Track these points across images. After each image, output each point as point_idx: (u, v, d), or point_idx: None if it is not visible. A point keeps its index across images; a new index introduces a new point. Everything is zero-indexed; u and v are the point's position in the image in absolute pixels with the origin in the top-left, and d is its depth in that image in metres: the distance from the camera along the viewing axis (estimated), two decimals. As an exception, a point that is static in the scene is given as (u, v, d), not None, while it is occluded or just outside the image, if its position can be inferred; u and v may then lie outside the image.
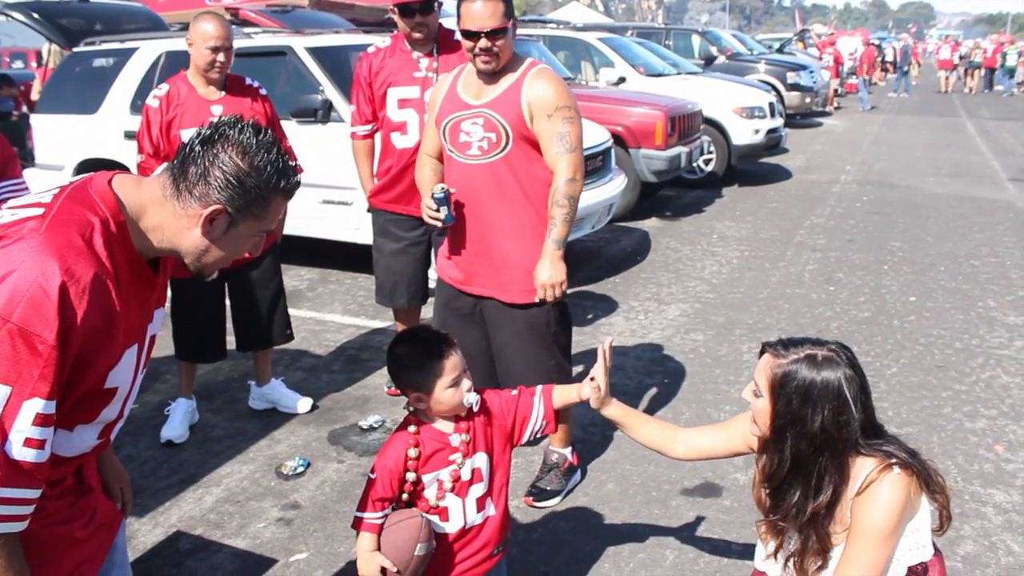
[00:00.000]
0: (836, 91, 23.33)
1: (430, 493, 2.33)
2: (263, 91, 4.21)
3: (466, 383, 2.27)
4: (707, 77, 12.37)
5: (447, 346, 2.26)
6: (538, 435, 2.50)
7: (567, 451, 3.72)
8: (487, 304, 3.40)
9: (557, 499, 3.63)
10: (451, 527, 2.35)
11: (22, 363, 1.48)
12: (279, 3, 11.78)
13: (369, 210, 4.49)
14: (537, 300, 3.27)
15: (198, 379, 4.70)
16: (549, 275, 3.21)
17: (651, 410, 4.48)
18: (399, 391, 2.36)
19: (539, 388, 2.47)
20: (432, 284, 4.34)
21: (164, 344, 4.30)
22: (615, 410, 2.41)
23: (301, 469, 3.85)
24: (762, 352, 2.04)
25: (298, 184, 1.74)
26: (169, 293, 4.18)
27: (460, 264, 3.41)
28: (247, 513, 3.55)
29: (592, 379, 2.36)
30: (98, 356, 1.60)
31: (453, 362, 2.24)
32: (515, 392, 2.46)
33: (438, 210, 3.32)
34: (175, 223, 1.67)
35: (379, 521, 2.28)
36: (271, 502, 3.63)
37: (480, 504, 2.37)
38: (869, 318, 5.90)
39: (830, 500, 1.95)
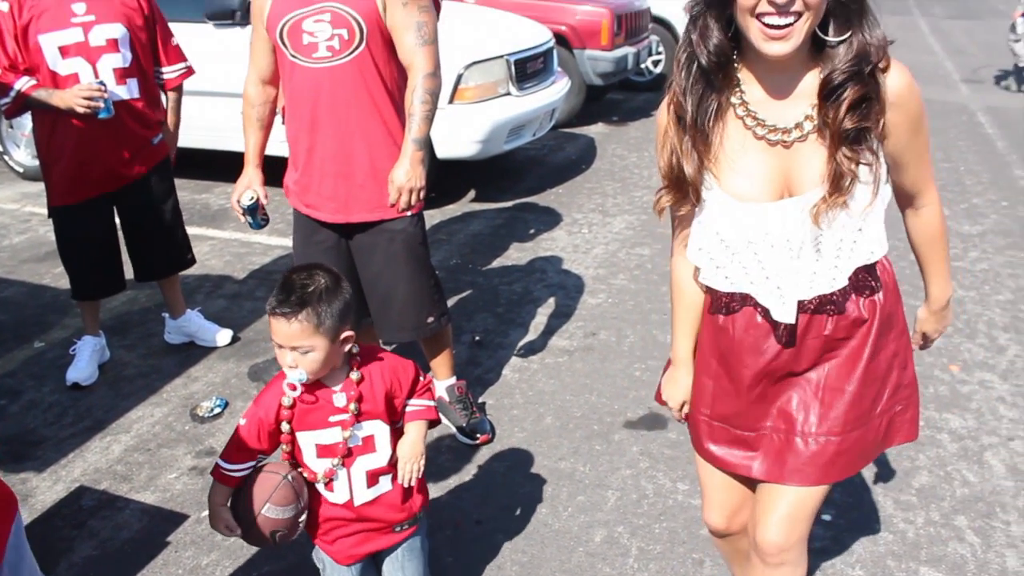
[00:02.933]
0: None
1: (308, 456, 2.05)
2: None
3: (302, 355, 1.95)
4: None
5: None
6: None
7: (452, 381, 3.46)
8: (354, 230, 3.06)
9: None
10: (335, 498, 2.08)
11: None
12: None
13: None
14: (391, 204, 2.91)
15: (111, 311, 4.38)
16: (407, 177, 2.86)
17: (595, 332, 4.26)
18: None
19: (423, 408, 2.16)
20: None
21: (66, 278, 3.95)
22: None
23: (218, 410, 3.58)
24: None
25: None
26: (53, 227, 3.82)
27: (316, 189, 3.02)
28: (158, 463, 3.28)
29: None
30: None
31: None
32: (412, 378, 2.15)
33: (244, 214, 3.07)
34: None
35: (238, 474, 2.02)
36: (184, 448, 3.36)
37: (371, 479, 2.08)
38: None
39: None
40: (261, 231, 3.35)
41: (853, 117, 1.58)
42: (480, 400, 3.67)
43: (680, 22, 10.16)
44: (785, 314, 1.72)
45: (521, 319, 4.42)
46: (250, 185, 3.11)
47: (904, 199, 1.83)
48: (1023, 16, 10.65)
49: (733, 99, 1.68)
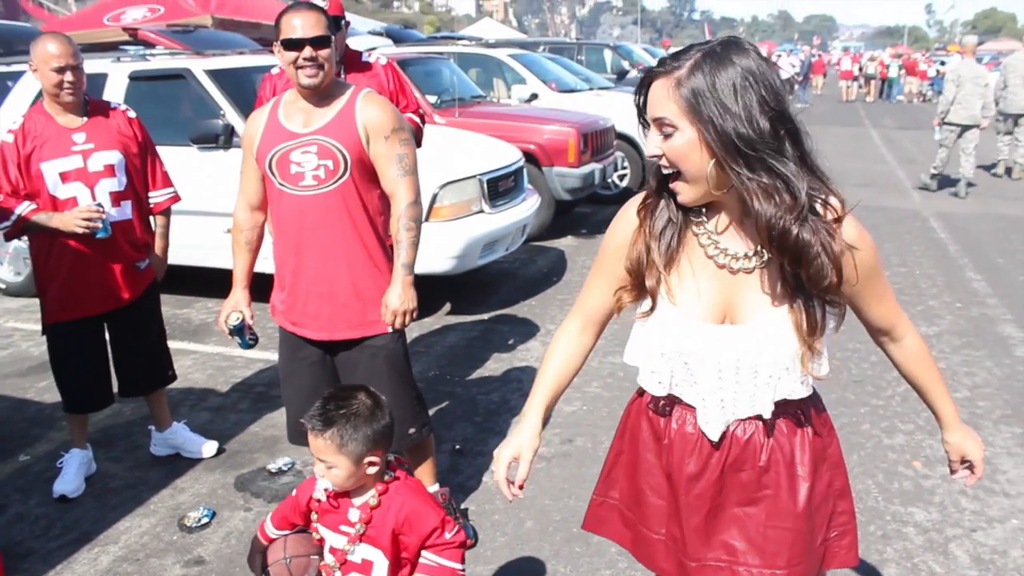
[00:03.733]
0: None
1: (326, 548, 2.24)
2: (131, 113, 3.97)
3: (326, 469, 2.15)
4: (620, 91, 12.41)
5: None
6: None
7: (434, 488, 3.53)
8: (338, 346, 3.21)
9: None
10: None
11: None
12: (181, 23, 11.47)
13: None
14: (389, 329, 3.12)
15: (97, 424, 4.45)
16: (400, 301, 3.07)
17: (571, 439, 4.38)
18: None
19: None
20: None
21: (56, 392, 4.04)
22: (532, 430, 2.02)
23: (206, 520, 3.64)
24: (645, 85, 1.64)
25: None
26: (47, 343, 3.95)
27: (301, 308, 3.18)
28: (147, 573, 3.32)
29: None
30: None
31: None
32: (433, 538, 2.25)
33: (231, 334, 3.26)
34: None
35: (274, 536, 2.26)
36: (173, 558, 3.41)
37: None
38: (785, 333, 5.91)
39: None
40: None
41: (797, 264, 1.63)
42: (463, 506, 3.76)
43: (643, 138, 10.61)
44: (709, 427, 1.77)
45: (499, 428, 4.54)
46: (237, 306, 3.27)
47: (879, 333, 1.90)
48: (939, 125, 11.25)
49: (696, 228, 1.74)
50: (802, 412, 1.82)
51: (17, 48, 9.20)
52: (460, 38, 14.80)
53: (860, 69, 34.06)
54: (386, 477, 2.22)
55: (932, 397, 2.00)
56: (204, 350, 5.72)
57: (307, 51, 2.94)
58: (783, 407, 1.78)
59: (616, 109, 10.40)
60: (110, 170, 3.79)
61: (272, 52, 8.74)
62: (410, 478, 2.29)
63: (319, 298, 3.13)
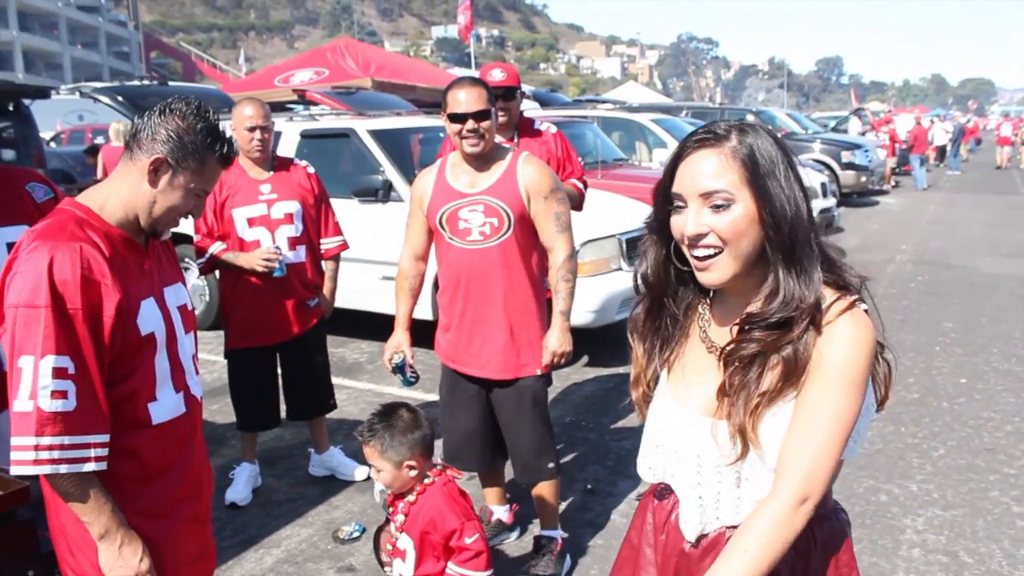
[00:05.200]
0: (893, 170, 23.34)
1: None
2: (310, 169, 4.50)
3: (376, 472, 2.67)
4: (760, 157, 12.51)
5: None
6: None
7: (557, 533, 3.77)
8: (492, 384, 3.55)
9: None
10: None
11: (31, 332, 1.88)
12: (344, 85, 12.34)
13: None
14: (543, 366, 3.46)
15: (262, 446, 4.93)
16: (559, 343, 3.42)
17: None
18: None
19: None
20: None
21: (229, 411, 4.55)
22: None
23: (357, 534, 4.02)
24: (677, 160, 1.57)
25: (232, 154, 2.15)
26: (228, 367, 4.48)
27: (467, 349, 3.53)
28: (304, 573, 3.73)
29: None
30: (106, 304, 1.96)
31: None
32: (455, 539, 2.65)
33: (393, 372, 3.64)
34: (129, 188, 2.06)
35: None
36: (328, 564, 3.80)
37: None
38: (918, 399, 5.94)
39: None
40: (391, 385, 3.87)
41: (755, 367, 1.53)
42: (591, 541, 4.01)
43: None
44: (687, 527, 1.64)
45: (630, 472, 4.76)
46: (399, 347, 3.63)
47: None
48: None
49: (700, 311, 1.69)
50: (812, 536, 1.59)
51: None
52: (604, 101, 15.25)
53: (1016, 135, 32.43)
54: (425, 480, 2.66)
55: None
56: (357, 386, 6.22)
57: (470, 123, 3.31)
58: None
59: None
60: (289, 218, 4.30)
61: (425, 113, 9.36)
62: (448, 484, 2.69)
63: (480, 340, 3.49)
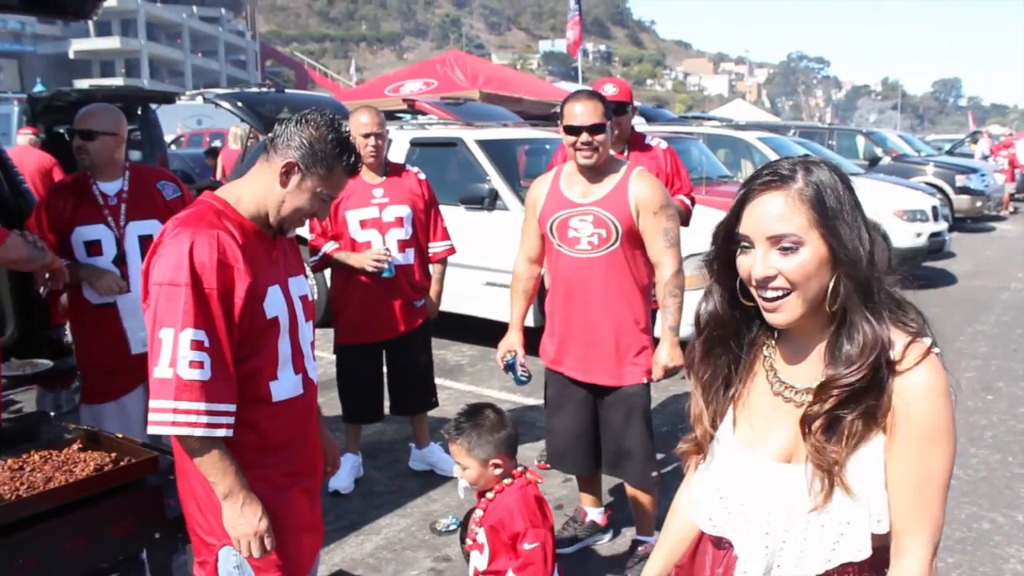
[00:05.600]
0: (1012, 195, 22.48)
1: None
2: (421, 176, 4.67)
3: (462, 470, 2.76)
4: (869, 178, 12.32)
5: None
6: None
7: (653, 539, 3.77)
8: (602, 391, 3.62)
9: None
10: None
11: (171, 308, 2.08)
12: (452, 96, 12.61)
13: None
14: (654, 379, 3.53)
15: (364, 439, 5.13)
16: (670, 358, 3.47)
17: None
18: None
19: None
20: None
21: (335, 405, 4.77)
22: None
23: (454, 527, 4.16)
24: (743, 202, 1.55)
25: (358, 165, 2.33)
26: (335, 361, 4.69)
27: (572, 354, 3.61)
28: (402, 561, 3.88)
29: None
30: (237, 287, 2.15)
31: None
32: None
33: (506, 370, 3.74)
34: (263, 186, 2.25)
35: None
36: (425, 553, 3.95)
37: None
38: (1026, 429, 5.78)
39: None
40: (491, 388, 4.00)
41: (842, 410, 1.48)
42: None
43: (890, 225, 10.49)
44: (746, 575, 1.59)
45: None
46: (512, 347, 3.76)
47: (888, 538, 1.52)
48: None
49: (765, 351, 1.64)
50: None
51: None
52: (710, 118, 15.19)
53: None
54: (505, 481, 2.73)
55: None
56: (458, 387, 6.39)
57: (584, 136, 3.40)
58: (847, 573, 1.53)
59: (863, 196, 10.37)
60: (400, 221, 4.48)
61: (531, 126, 9.51)
62: (525, 487, 2.75)
63: (583, 346, 3.58)
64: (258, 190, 2.26)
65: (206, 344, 2.09)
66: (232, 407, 2.14)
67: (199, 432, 2.09)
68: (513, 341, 3.77)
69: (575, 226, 3.50)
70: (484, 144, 7.31)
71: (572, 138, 3.44)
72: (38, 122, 9.27)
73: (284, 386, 2.31)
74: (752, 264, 1.50)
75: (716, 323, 1.64)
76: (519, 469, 2.80)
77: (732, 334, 1.64)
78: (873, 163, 15.78)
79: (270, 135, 2.29)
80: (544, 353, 3.77)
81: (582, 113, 3.42)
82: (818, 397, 1.49)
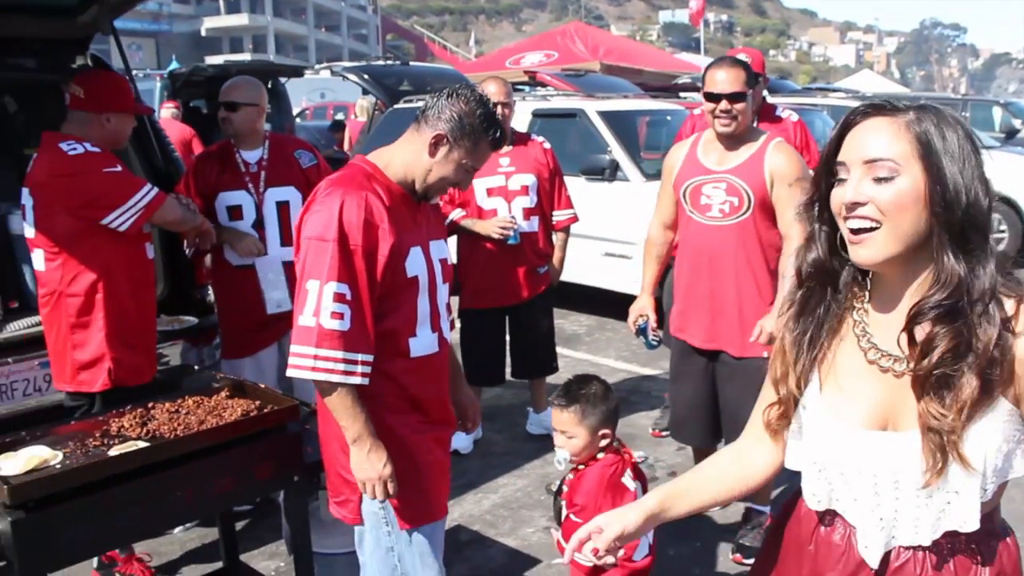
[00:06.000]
0: None
1: None
2: (546, 145, 4.77)
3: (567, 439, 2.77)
4: (1005, 151, 11.78)
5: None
6: None
7: (767, 508, 3.83)
8: (722, 359, 3.61)
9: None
10: None
11: (319, 261, 2.22)
12: (573, 68, 12.65)
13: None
14: (765, 355, 3.47)
15: (483, 402, 5.27)
16: (775, 325, 3.43)
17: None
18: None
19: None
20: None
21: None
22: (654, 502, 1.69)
23: (568, 489, 4.28)
24: (849, 126, 1.46)
25: (502, 140, 2.45)
26: (459, 326, 4.81)
27: (697, 321, 3.62)
28: (518, 519, 4.02)
29: None
30: (381, 245, 2.28)
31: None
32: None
33: (637, 334, 3.77)
34: (411, 154, 2.36)
35: None
36: (540, 512, 4.08)
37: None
38: None
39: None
40: (608, 357, 4.07)
41: (944, 363, 1.37)
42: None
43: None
44: (869, 552, 1.50)
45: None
46: (643, 311, 3.80)
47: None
48: None
49: (855, 314, 1.53)
50: (982, 554, 1.48)
51: (437, 87, 10.76)
52: (835, 90, 14.73)
53: None
54: (599, 456, 2.76)
55: None
56: (575, 355, 6.50)
57: (723, 104, 3.39)
58: (956, 541, 1.46)
59: (997, 170, 9.95)
60: (525, 190, 4.59)
61: (652, 97, 9.49)
62: (607, 467, 2.75)
63: (708, 314, 3.59)
64: (407, 157, 2.38)
65: (348, 297, 2.23)
66: (369, 357, 2.28)
67: (336, 379, 2.23)
68: (644, 305, 3.81)
69: (708, 193, 3.51)
70: (605, 115, 7.34)
71: (711, 105, 3.43)
72: (178, 96, 9.77)
73: (422, 343, 2.43)
74: (844, 192, 1.41)
75: (817, 271, 1.53)
76: (615, 444, 2.82)
77: (832, 284, 1.53)
78: (1010, 135, 15.02)
79: (422, 106, 2.40)
80: (671, 320, 3.82)
81: (723, 80, 3.42)
82: (924, 352, 1.38)
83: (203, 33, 55.22)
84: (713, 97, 3.42)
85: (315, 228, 2.25)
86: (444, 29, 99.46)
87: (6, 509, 2.16)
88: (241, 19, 54.88)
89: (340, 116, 20.28)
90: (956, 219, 1.36)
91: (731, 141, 3.49)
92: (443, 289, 2.51)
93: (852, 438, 1.48)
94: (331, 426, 2.39)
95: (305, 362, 2.23)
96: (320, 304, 2.21)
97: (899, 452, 1.43)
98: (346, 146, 11.31)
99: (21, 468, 2.26)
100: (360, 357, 2.26)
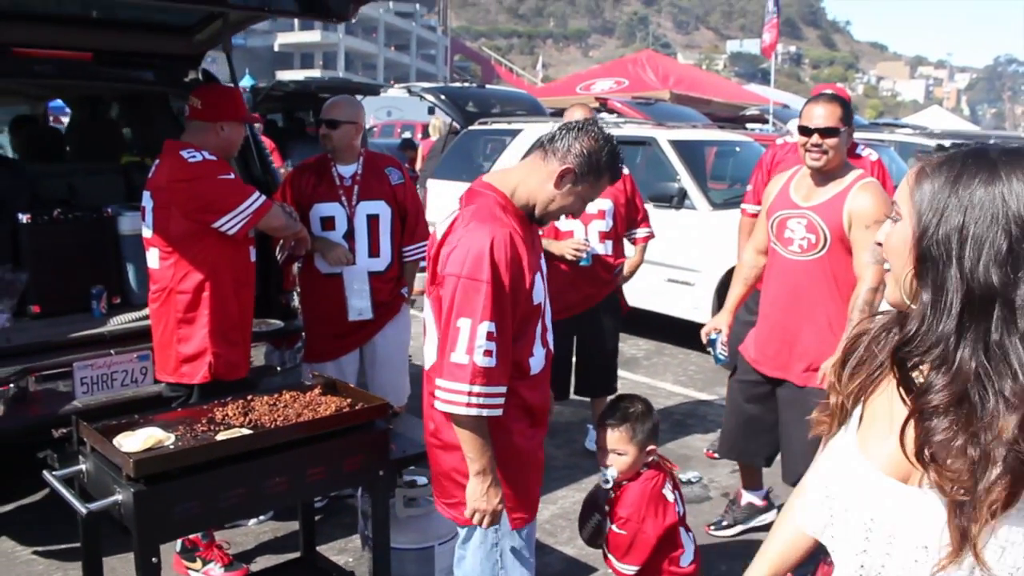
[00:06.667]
0: None
1: None
2: (625, 171, 4.91)
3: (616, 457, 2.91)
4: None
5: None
6: None
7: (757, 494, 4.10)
8: (785, 386, 3.72)
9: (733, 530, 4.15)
10: None
11: (471, 300, 2.32)
12: (643, 96, 12.82)
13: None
14: (816, 381, 3.54)
15: (545, 417, 5.46)
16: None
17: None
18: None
19: None
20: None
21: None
22: None
23: (627, 504, 4.42)
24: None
25: (619, 174, 2.58)
26: None
27: (768, 348, 3.74)
28: (576, 529, 4.16)
29: None
30: (520, 282, 2.40)
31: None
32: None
33: (707, 346, 3.89)
34: (536, 183, 2.47)
35: None
36: (599, 525, 4.23)
37: None
38: None
39: None
40: (665, 381, 4.22)
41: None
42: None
43: None
44: None
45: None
46: (718, 325, 3.96)
47: None
48: None
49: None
50: None
51: (507, 109, 11.02)
52: (903, 126, 14.66)
53: None
54: (641, 471, 2.91)
55: None
56: (633, 378, 6.64)
57: (815, 138, 3.48)
58: None
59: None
60: (602, 214, 4.77)
61: (720, 128, 9.62)
62: (647, 481, 2.91)
63: (779, 343, 3.71)
64: (531, 185, 2.48)
65: (495, 334, 2.33)
66: (504, 388, 2.42)
67: (486, 413, 2.37)
68: (721, 321, 3.96)
69: (792, 227, 3.60)
70: (676, 144, 7.49)
71: (804, 138, 3.51)
72: (257, 110, 10.14)
73: (538, 360, 2.58)
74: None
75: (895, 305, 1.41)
76: (655, 459, 2.97)
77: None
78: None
79: (548, 137, 2.51)
80: (745, 341, 3.93)
81: (819, 115, 3.49)
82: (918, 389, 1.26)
83: (276, 48, 56.49)
84: (807, 131, 3.50)
85: (466, 267, 2.32)
86: (512, 52, 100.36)
87: (129, 481, 2.38)
88: (314, 36, 56.07)
89: (407, 135, 20.72)
90: (939, 290, 1.27)
91: (821, 177, 3.56)
92: (548, 304, 2.64)
93: (870, 479, 1.35)
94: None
95: (459, 398, 2.34)
96: (473, 343, 2.31)
97: (906, 508, 1.29)
98: (418, 165, 11.61)
99: (140, 446, 2.50)
100: (501, 389, 2.40)
